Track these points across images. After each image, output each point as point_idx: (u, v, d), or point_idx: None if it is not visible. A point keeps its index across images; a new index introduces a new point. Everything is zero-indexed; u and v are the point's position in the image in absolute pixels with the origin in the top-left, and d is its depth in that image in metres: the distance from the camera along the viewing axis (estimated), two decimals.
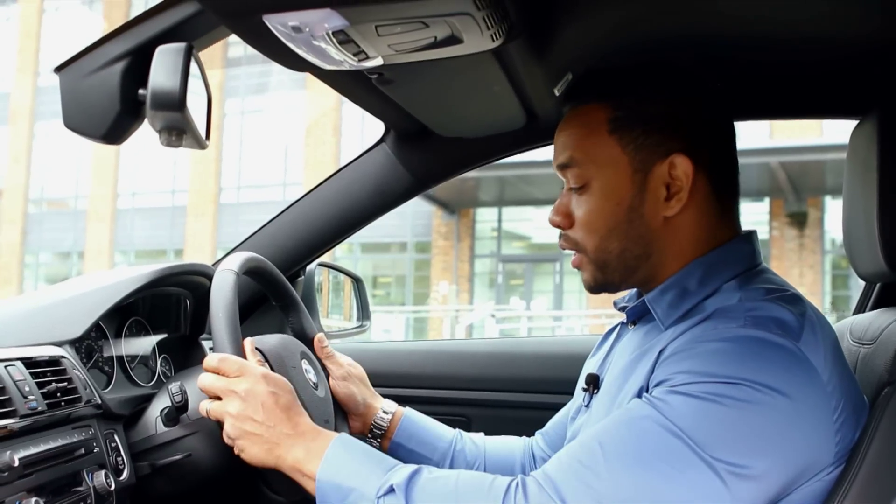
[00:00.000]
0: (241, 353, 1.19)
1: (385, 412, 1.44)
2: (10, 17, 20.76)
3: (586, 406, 1.25)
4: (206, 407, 1.16)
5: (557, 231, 1.18)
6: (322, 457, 1.08)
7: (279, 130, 18.17)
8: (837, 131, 11.54)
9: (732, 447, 0.91)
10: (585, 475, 0.94)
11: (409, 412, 1.47)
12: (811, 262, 14.46)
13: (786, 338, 0.96)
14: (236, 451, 1.14)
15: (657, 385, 0.99)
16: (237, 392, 1.13)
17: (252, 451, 1.12)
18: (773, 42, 1.21)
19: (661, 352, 1.03)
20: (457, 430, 1.49)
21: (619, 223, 1.11)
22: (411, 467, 1.04)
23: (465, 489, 1.00)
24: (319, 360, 1.43)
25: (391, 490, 1.01)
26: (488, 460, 1.44)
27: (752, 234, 1.15)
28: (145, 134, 1.08)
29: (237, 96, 18.50)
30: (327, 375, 1.42)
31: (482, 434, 1.50)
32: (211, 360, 1.17)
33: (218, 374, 1.16)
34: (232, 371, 1.15)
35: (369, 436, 1.43)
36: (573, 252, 1.17)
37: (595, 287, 1.18)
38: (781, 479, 0.93)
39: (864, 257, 1.20)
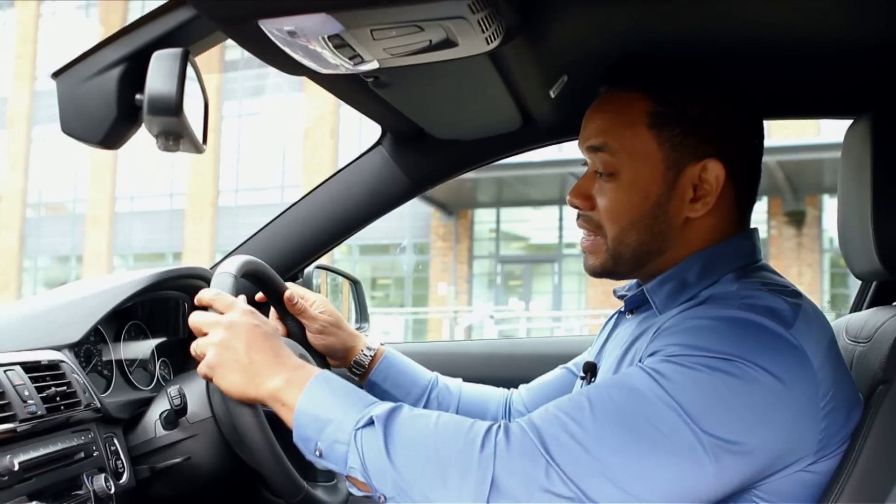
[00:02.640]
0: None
1: (368, 349, 1.47)
2: (7, 23, 20.75)
3: None
4: (194, 345, 1.14)
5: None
6: (303, 388, 1.06)
7: (277, 133, 18.16)
8: (835, 130, 11.55)
9: (723, 422, 0.91)
10: (571, 428, 0.93)
11: (389, 352, 1.48)
12: (809, 260, 14.46)
13: (778, 325, 0.97)
14: (215, 382, 1.11)
15: (651, 355, 0.99)
16: (222, 322, 1.12)
17: (231, 379, 1.09)
18: (770, 44, 1.22)
19: (655, 332, 1.03)
20: (434, 373, 1.51)
21: (643, 217, 1.11)
22: (393, 404, 1.03)
23: (445, 428, 0.99)
24: (293, 315, 1.44)
25: (370, 422, 1.00)
26: (462, 406, 1.46)
27: (753, 231, 1.16)
28: (143, 138, 1.09)
29: (235, 99, 18.49)
30: (303, 331, 1.44)
31: (460, 380, 1.51)
32: (205, 294, 1.17)
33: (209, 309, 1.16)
34: (223, 306, 1.14)
35: (349, 372, 1.46)
36: (587, 234, 1.16)
37: (600, 273, 1.17)
38: (763, 460, 0.94)
39: (859, 256, 1.20)
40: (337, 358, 1.46)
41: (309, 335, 1.44)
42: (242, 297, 1.19)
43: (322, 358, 1.45)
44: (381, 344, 1.51)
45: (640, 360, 1.01)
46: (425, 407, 1.44)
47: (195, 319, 1.15)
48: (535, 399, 1.43)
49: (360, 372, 1.46)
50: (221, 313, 1.14)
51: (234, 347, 1.10)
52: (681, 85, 1.11)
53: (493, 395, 1.49)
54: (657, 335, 1.02)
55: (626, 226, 1.12)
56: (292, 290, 1.45)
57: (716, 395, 0.92)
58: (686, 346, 0.96)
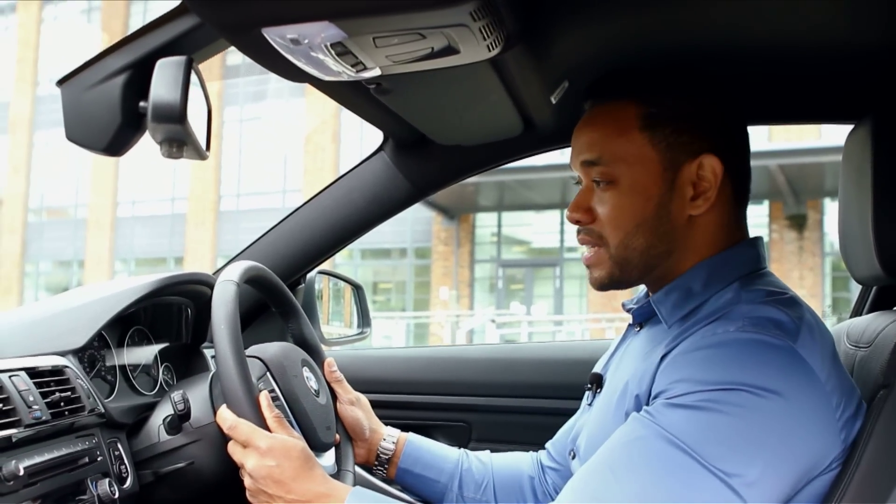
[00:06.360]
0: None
1: (390, 435, 1.44)
2: (9, 27, 20.80)
3: (589, 405, 1.26)
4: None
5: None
6: None
7: (278, 138, 18.19)
8: (836, 134, 11.55)
9: (738, 457, 0.91)
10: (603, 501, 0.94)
11: (412, 437, 1.46)
12: (811, 264, 14.47)
13: (783, 339, 0.97)
14: None
15: (657, 396, 0.99)
16: (246, 468, 1.15)
17: None
18: (771, 51, 1.23)
19: (662, 357, 1.03)
20: (462, 449, 1.48)
21: (647, 219, 1.11)
22: None
23: None
24: (328, 382, 1.43)
25: None
26: (496, 477, 1.44)
27: (758, 240, 1.16)
28: (145, 143, 1.09)
29: (236, 104, 18.53)
30: (335, 399, 1.43)
31: (488, 452, 1.50)
32: (224, 422, 1.18)
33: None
34: (240, 440, 1.16)
35: (376, 462, 1.44)
36: (589, 248, 1.16)
37: (607, 284, 1.16)
38: (790, 479, 0.94)
39: (860, 261, 1.20)
40: (360, 437, 1.42)
41: (339, 405, 1.42)
42: (265, 407, 1.19)
43: (346, 434, 1.42)
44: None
45: (647, 394, 1.02)
46: (460, 482, 1.42)
47: (229, 450, 1.19)
48: (561, 451, 1.42)
49: (386, 458, 1.43)
50: (244, 444, 1.16)
51: (262, 492, 1.14)
52: (668, 87, 1.12)
53: (523, 459, 1.48)
54: (664, 367, 1.02)
55: (630, 230, 1.11)
56: (332, 360, 1.46)
57: (728, 432, 0.92)
58: (690, 381, 0.96)
